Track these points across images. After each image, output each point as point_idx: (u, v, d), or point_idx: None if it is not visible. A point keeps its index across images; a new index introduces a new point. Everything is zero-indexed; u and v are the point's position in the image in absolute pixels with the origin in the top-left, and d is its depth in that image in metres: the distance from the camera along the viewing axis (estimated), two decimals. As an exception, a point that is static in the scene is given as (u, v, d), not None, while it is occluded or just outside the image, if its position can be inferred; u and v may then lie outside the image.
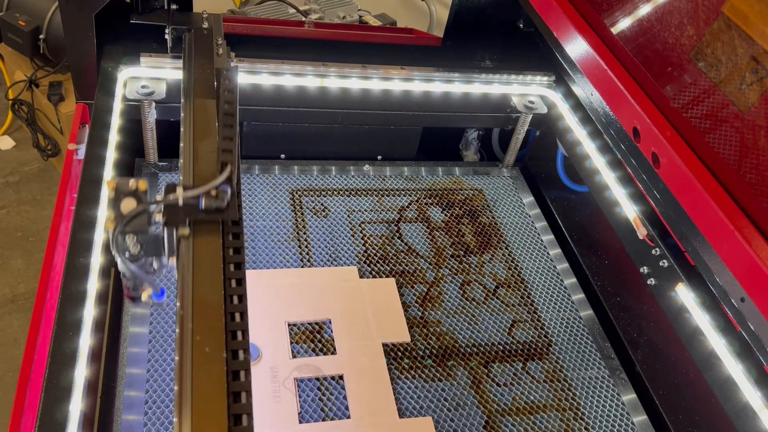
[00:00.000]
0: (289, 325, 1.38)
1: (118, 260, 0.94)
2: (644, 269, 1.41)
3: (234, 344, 0.84)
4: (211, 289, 0.90)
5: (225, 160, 0.94)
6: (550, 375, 1.43)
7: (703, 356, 1.26)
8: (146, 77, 1.58)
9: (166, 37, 1.43)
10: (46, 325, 1.24)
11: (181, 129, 1.07)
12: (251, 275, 1.47)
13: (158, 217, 0.92)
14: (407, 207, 1.74)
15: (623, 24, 1.38)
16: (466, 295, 1.55)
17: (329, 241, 1.60)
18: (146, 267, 0.98)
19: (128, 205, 0.90)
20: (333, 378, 1.32)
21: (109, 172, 1.38)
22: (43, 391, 1.01)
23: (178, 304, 0.88)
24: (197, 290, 0.87)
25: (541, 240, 1.74)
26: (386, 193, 1.77)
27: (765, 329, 1.02)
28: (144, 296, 1.03)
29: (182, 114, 1.11)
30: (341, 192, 1.74)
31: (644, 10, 1.32)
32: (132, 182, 0.91)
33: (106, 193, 1.29)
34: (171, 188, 0.90)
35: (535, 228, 1.77)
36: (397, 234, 1.66)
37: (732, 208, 1.07)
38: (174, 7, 1.44)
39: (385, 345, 1.39)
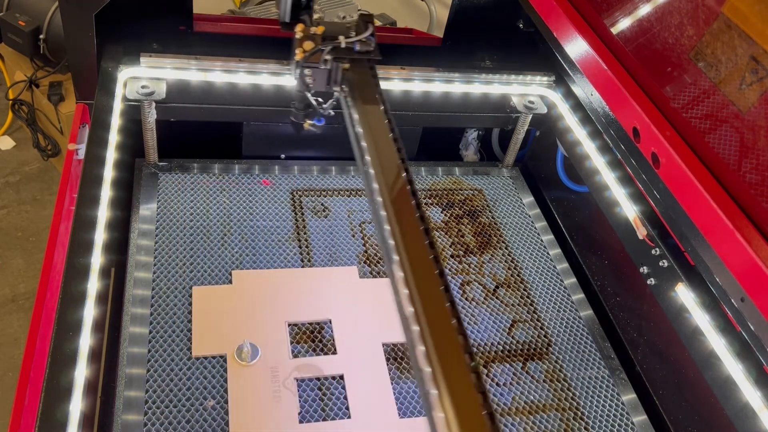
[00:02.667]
0: (289, 325, 1.38)
1: (299, 88, 1.36)
2: (644, 269, 1.41)
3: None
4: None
5: (368, 21, 1.37)
6: (550, 375, 1.43)
7: (703, 356, 1.26)
8: (146, 77, 1.58)
9: None
10: (46, 325, 1.24)
11: None
12: (251, 275, 1.47)
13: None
14: (407, 207, 1.74)
15: (623, 24, 1.38)
16: (466, 295, 1.55)
17: (329, 241, 1.60)
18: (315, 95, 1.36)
19: (308, 45, 1.32)
20: (333, 378, 1.32)
21: (109, 172, 1.38)
22: (43, 391, 1.01)
23: (358, 129, 1.20)
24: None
25: (541, 240, 1.74)
26: (386, 193, 1.77)
27: (765, 329, 1.02)
28: (306, 124, 1.46)
29: None
30: (341, 192, 1.74)
31: (644, 10, 1.32)
32: (313, 28, 1.34)
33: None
34: (335, 38, 1.33)
35: (535, 228, 1.77)
36: (397, 234, 1.66)
37: (732, 208, 1.07)
38: None
39: (385, 345, 1.39)
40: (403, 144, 1.19)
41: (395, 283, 0.94)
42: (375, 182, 1.09)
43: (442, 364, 0.81)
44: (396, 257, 0.95)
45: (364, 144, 1.18)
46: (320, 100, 1.41)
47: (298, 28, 1.35)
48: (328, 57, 1.31)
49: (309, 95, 1.39)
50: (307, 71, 1.34)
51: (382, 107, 1.25)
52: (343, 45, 1.32)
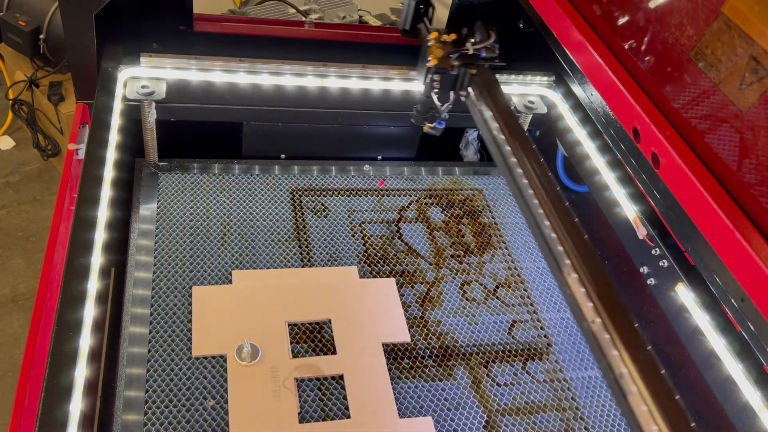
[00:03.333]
0: (289, 325, 1.38)
1: (426, 93, 1.47)
2: (644, 269, 1.41)
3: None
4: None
5: (490, 29, 1.44)
6: (550, 375, 1.43)
7: (703, 356, 1.26)
8: (146, 77, 1.58)
9: None
10: (46, 325, 1.24)
11: None
12: (251, 275, 1.47)
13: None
14: (407, 207, 1.74)
15: (623, 24, 1.38)
16: (466, 295, 1.55)
17: (329, 241, 1.60)
18: (441, 99, 1.47)
19: (439, 51, 1.41)
20: (333, 378, 1.32)
21: (109, 172, 1.38)
22: (43, 391, 1.01)
23: (496, 133, 1.33)
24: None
25: (541, 240, 1.74)
26: (386, 193, 1.77)
27: (765, 329, 1.02)
28: (426, 127, 1.57)
29: None
30: (341, 192, 1.74)
31: (644, 10, 1.32)
32: (445, 35, 1.44)
33: None
34: (461, 43, 1.44)
35: (535, 228, 1.77)
36: (397, 234, 1.66)
37: (732, 208, 1.07)
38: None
39: (385, 345, 1.39)
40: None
41: (571, 289, 1.07)
42: (524, 179, 1.24)
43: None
44: (567, 261, 1.08)
45: (507, 148, 1.30)
46: (439, 104, 1.52)
47: (432, 36, 1.45)
48: (456, 63, 1.41)
49: (435, 99, 1.48)
50: (435, 76, 1.45)
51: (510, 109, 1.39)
52: (470, 52, 1.42)
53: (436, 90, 1.47)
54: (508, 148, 1.30)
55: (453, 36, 1.45)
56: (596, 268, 1.06)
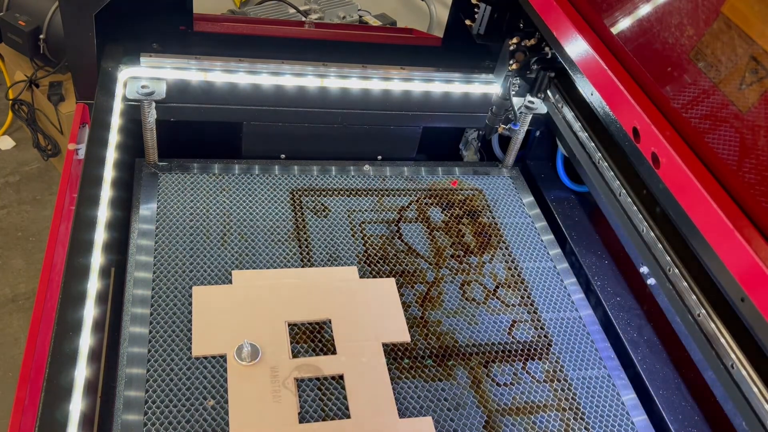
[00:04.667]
0: (289, 325, 1.38)
1: (505, 95, 1.59)
2: (644, 269, 1.41)
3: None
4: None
5: None
6: (550, 375, 1.43)
7: (704, 356, 1.26)
8: (146, 77, 1.58)
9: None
10: (46, 325, 1.24)
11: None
12: (251, 275, 1.47)
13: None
14: (407, 207, 1.74)
15: (623, 24, 1.38)
16: (466, 295, 1.55)
17: (329, 241, 1.60)
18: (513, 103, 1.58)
19: (521, 56, 1.52)
20: (333, 378, 1.32)
21: (109, 172, 1.38)
22: (43, 391, 1.01)
23: (581, 133, 1.50)
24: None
25: (541, 240, 1.74)
26: (386, 193, 1.77)
27: (765, 329, 1.02)
28: (501, 128, 1.69)
29: None
30: (341, 192, 1.74)
31: (644, 10, 1.32)
32: (525, 40, 1.53)
33: None
34: (539, 48, 1.56)
35: (535, 228, 1.77)
36: (397, 234, 1.66)
37: (732, 208, 1.07)
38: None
39: (385, 345, 1.39)
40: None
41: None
42: (616, 181, 1.38)
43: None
44: (668, 258, 1.20)
45: (592, 144, 1.46)
46: (517, 107, 1.62)
47: (514, 40, 1.54)
48: (535, 66, 1.52)
49: (513, 101, 1.58)
50: (515, 80, 1.56)
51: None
52: (549, 55, 1.52)
53: (514, 93, 1.56)
54: (592, 145, 1.45)
55: (533, 41, 1.53)
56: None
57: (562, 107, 1.54)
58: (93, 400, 1.13)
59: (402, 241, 1.65)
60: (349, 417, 1.26)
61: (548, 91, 1.59)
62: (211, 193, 1.64)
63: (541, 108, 1.79)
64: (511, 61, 1.54)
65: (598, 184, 1.54)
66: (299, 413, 1.24)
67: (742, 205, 1.07)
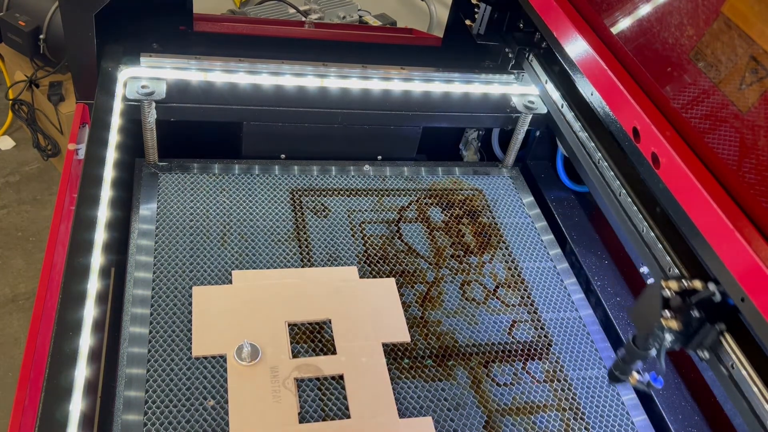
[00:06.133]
0: (289, 325, 1.38)
1: (643, 345, 1.19)
2: (644, 269, 1.41)
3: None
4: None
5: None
6: (550, 375, 1.43)
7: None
8: (146, 77, 1.58)
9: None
10: (46, 325, 1.24)
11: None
12: (251, 275, 1.47)
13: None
14: (407, 207, 1.74)
15: (623, 24, 1.38)
16: (466, 295, 1.55)
17: (329, 241, 1.60)
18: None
19: (675, 324, 1.08)
20: (333, 378, 1.32)
21: (109, 172, 1.38)
22: (43, 391, 1.01)
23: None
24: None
25: (541, 240, 1.74)
26: (386, 193, 1.77)
27: (765, 329, 1.02)
28: (633, 380, 1.33)
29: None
30: (341, 192, 1.74)
31: (644, 10, 1.32)
32: (683, 281, 1.14)
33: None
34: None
35: (535, 228, 1.77)
36: (397, 234, 1.66)
37: (732, 208, 1.07)
38: None
39: (385, 345, 1.39)
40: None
41: None
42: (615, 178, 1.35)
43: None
44: (668, 258, 1.15)
45: (592, 144, 1.44)
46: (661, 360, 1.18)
47: (674, 286, 1.11)
48: (696, 314, 1.07)
49: (662, 359, 1.14)
50: (668, 335, 1.11)
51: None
52: (718, 298, 1.08)
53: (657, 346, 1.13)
54: (592, 145, 1.42)
55: (697, 283, 1.10)
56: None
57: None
58: (93, 400, 1.13)
59: (402, 241, 1.65)
60: (349, 417, 1.26)
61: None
62: (211, 193, 1.64)
63: (541, 108, 1.79)
64: (667, 327, 1.10)
65: (598, 184, 1.54)
66: (299, 413, 1.24)
67: (742, 205, 1.07)
